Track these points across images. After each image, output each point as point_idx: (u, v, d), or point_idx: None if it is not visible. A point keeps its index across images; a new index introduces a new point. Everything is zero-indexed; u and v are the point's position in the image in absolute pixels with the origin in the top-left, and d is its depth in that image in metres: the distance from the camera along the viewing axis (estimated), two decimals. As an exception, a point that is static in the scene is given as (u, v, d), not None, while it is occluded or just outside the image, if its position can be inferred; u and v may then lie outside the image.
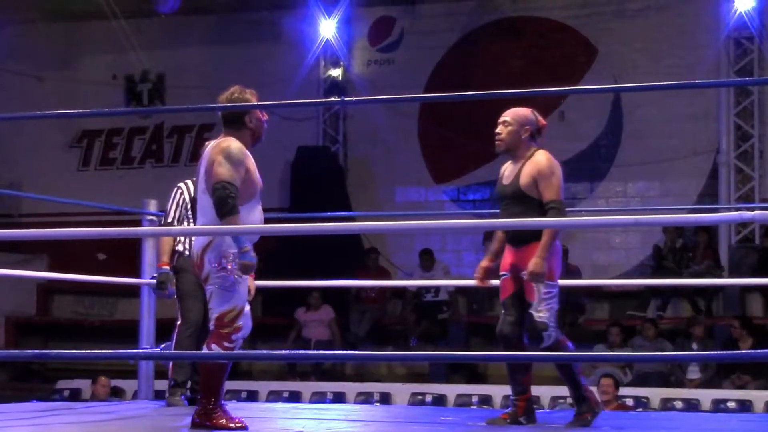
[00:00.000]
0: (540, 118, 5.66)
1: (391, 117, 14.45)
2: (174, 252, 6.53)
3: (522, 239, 5.47)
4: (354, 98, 13.99)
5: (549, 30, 14.42)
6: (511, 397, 5.63)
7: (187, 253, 6.40)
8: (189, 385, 6.58)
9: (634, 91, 14.03)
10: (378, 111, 14.43)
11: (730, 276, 12.52)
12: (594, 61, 14.15)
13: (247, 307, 5.20)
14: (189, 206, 6.45)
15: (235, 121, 5.30)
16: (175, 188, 6.62)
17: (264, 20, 14.98)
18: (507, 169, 5.65)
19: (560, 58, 14.21)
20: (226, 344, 5.14)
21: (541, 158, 5.52)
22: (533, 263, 5.36)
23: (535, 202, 5.45)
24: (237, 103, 5.30)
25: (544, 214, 5.40)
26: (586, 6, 14.26)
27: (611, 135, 14.13)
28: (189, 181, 6.56)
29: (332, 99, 13.90)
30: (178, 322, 6.50)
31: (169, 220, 6.52)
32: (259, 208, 5.27)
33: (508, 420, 5.48)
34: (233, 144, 5.19)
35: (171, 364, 6.53)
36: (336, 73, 15.10)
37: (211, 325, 5.19)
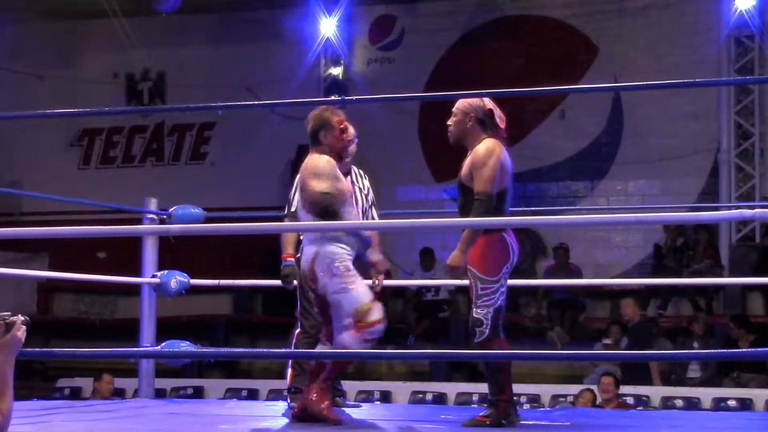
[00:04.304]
0: (487, 102, 5.40)
1: (392, 115, 14.44)
2: (299, 242, 6.12)
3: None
4: (354, 97, 14.02)
5: (550, 28, 14.42)
6: (489, 397, 5.39)
7: None
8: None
9: (634, 89, 14.02)
10: (378, 110, 14.42)
11: (731, 275, 12.51)
12: (595, 60, 14.16)
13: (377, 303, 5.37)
14: None
15: (313, 138, 5.53)
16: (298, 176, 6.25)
17: (264, 19, 14.98)
18: None
19: (561, 56, 14.21)
20: (363, 335, 5.25)
21: (479, 148, 5.29)
22: (451, 256, 5.21)
23: (472, 194, 5.24)
24: (320, 119, 5.51)
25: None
26: (587, 4, 14.26)
27: (612, 133, 14.13)
28: None
29: (333, 98, 13.86)
30: (297, 330, 6.28)
31: (293, 209, 6.14)
32: (353, 212, 5.49)
33: (488, 422, 5.23)
34: (317, 160, 5.43)
35: (290, 371, 6.27)
36: (336, 71, 15.11)
37: (349, 323, 5.29)
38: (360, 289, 5.32)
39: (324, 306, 5.41)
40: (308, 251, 5.41)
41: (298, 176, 5.57)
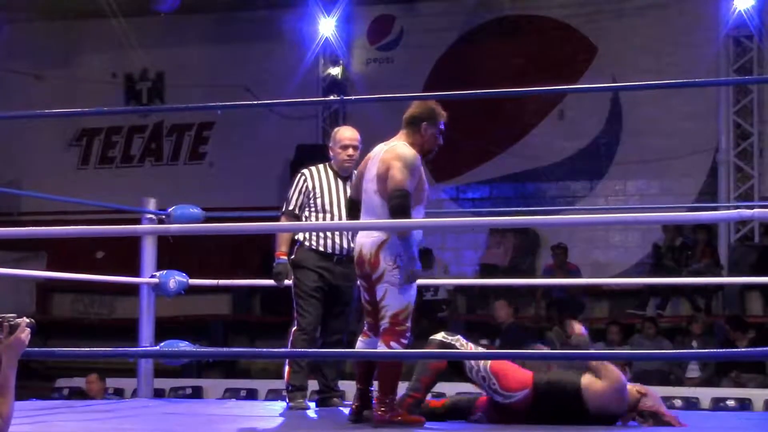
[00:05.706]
0: None
1: (391, 115, 14.38)
2: (294, 242, 6.25)
3: None
4: (353, 97, 14.03)
5: (548, 29, 14.42)
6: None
7: (307, 244, 6.21)
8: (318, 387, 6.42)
9: (633, 89, 14.02)
10: (377, 109, 14.40)
11: (730, 274, 12.51)
12: (593, 60, 14.15)
13: None
14: (312, 194, 6.20)
15: (413, 125, 5.41)
16: (299, 175, 6.34)
17: (263, 19, 14.98)
18: None
19: (560, 56, 14.21)
20: (402, 341, 5.23)
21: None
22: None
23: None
24: (429, 109, 5.39)
25: None
26: (586, 5, 14.26)
27: (610, 133, 14.13)
28: (314, 168, 6.32)
29: (331, 97, 13.92)
30: (294, 328, 6.31)
31: (291, 207, 6.25)
32: (423, 212, 5.35)
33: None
34: (409, 152, 5.25)
35: (287, 369, 6.33)
36: (335, 71, 15.10)
37: (385, 322, 5.23)
38: (413, 292, 5.25)
39: (374, 295, 5.29)
40: (375, 236, 5.24)
41: (379, 159, 5.32)
